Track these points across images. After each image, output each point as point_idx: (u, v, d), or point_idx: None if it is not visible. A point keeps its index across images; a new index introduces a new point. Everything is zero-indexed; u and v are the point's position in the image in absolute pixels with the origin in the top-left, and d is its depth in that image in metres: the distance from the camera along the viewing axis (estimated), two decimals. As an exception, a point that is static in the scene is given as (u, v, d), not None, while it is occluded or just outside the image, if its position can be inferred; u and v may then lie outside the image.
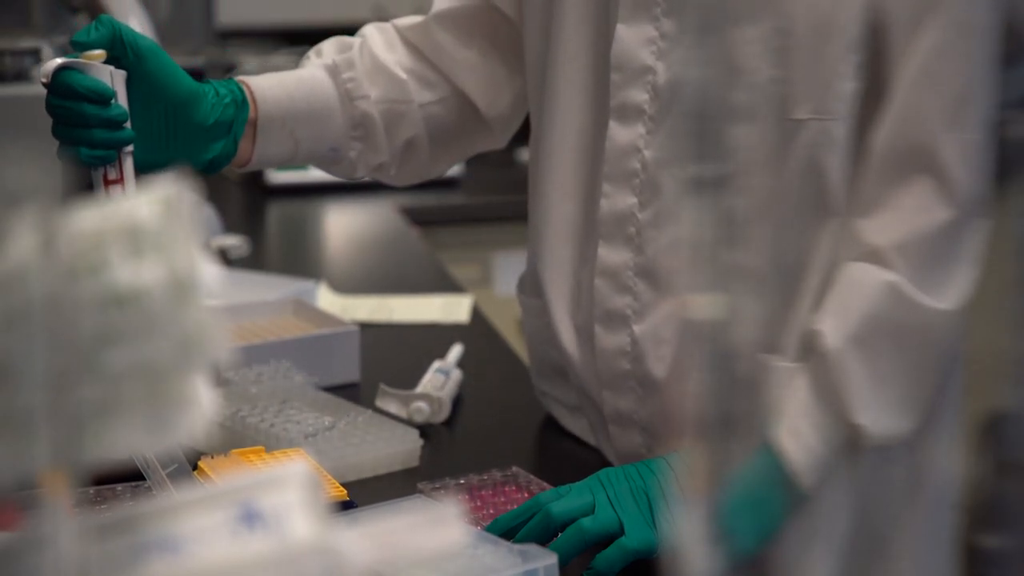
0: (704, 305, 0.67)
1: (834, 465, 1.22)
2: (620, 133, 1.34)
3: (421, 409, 1.59)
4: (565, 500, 1.21)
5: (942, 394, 1.28)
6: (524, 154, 2.87)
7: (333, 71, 1.50)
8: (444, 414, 1.60)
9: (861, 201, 1.24)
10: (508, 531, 1.22)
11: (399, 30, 1.57)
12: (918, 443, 1.27)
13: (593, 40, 1.38)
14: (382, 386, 1.62)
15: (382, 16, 3.15)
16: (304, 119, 1.46)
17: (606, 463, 1.51)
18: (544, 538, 1.20)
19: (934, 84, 1.20)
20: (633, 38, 1.32)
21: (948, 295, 1.22)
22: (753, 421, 1.27)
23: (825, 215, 1.25)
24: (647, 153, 1.32)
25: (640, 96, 1.32)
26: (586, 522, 1.19)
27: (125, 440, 0.64)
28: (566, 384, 1.52)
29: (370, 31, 1.57)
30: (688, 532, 0.66)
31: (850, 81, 1.22)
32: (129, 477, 1.29)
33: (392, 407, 1.60)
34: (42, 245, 0.62)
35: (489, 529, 1.22)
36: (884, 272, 1.21)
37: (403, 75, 1.53)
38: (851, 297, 1.21)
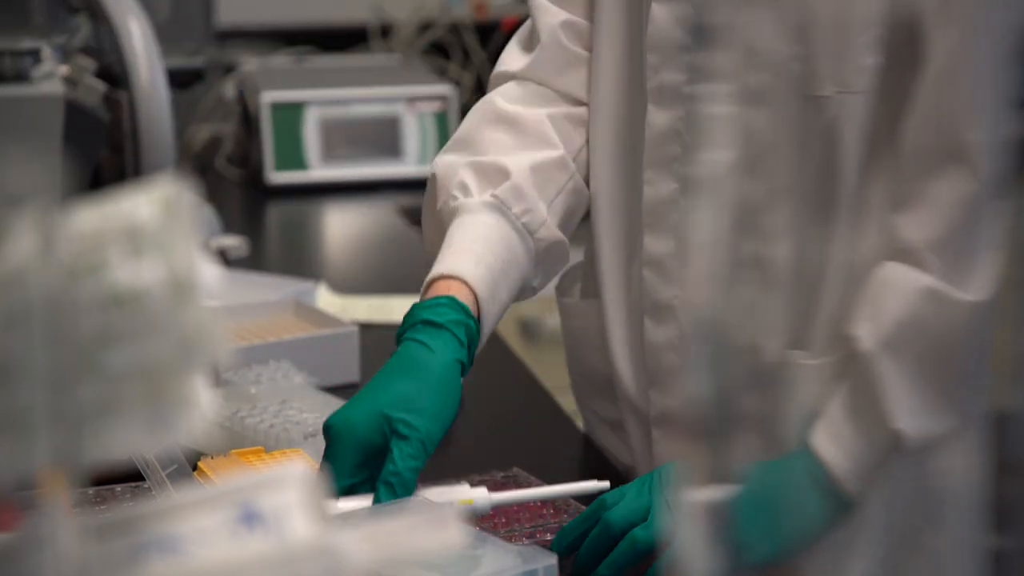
0: (705, 302, 0.67)
1: (877, 471, 1.21)
2: (658, 117, 1.31)
3: None
4: (621, 506, 1.19)
5: (973, 387, 1.27)
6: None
7: (501, 210, 1.35)
8: None
9: (896, 195, 1.22)
10: (573, 540, 1.20)
11: (515, 103, 1.42)
12: (951, 441, 1.26)
13: (628, 24, 1.36)
14: None
15: (382, 16, 3.16)
16: (508, 290, 1.35)
17: (607, 463, 1.51)
18: (606, 548, 1.18)
19: (964, 73, 1.19)
20: (668, 17, 1.30)
21: (978, 285, 1.20)
22: (774, 421, 1.26)
23: (841, 200, 1.24)
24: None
25: (677, 77, 1.30)
26: (639, 532, 1.17)
27: (125, 440, 0.64)
28: (609, 396, 1.47)
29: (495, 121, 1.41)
30: (689, 533, 0.66)
31: (870, 55, 1.20)
32: (129, 477, 1.29)
33: None
34: (42, 245, 0.62)
35: (556, 541, 1.21)
36: (920, 275, 1.19)
37: (557, 153, 1.40)
38: (887, 301, 1.20)
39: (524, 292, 1.38)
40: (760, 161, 1.24)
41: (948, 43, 1.19)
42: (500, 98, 1.43)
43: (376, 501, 1.18)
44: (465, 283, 1.29)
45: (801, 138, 1.23)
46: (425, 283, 1.31)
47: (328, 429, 1.23)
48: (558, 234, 1.38)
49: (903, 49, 1.21)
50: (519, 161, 1.37)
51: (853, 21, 1.21)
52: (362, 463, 1.21)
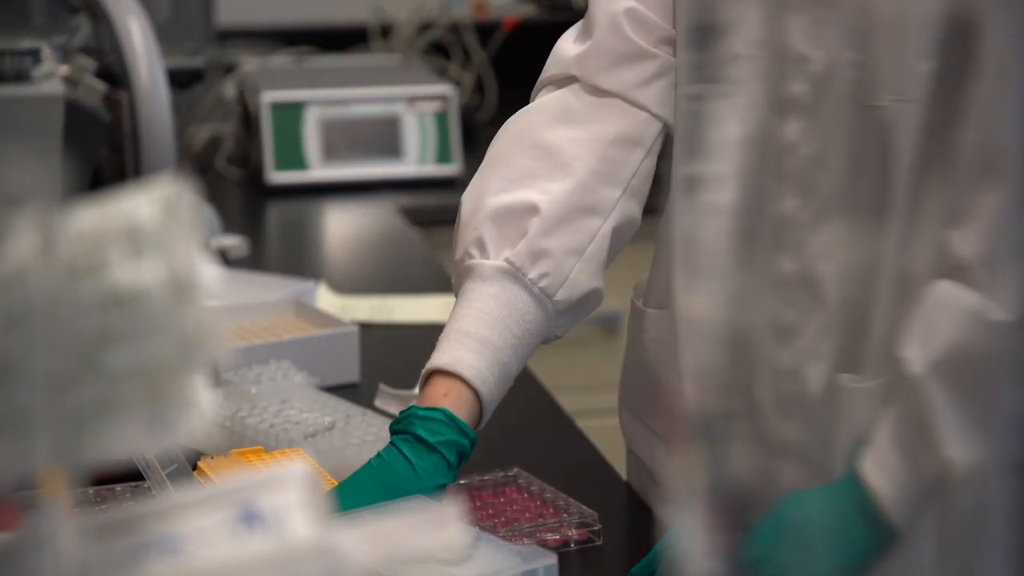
0: (704, 304, 0.67)
1: (924, 501, 1.15)
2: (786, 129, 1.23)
3: None
4: (643, 562, 1.18)
5: (1007, 408, 1.19)
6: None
7: (516, 276, 1.29)
8: None
9: (949, 209, 1.17)
10: None
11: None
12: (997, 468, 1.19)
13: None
14: (381, 386, 1.62)
15: (382, 16, 3.15)
16: (520, 360, 1.32)
17: (606, 464, 1.51)
18: None
19: (1014, 83, 1.15)
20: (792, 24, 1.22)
21: (1013, 304, 1.14)
22: (819, 448, 1.23)
23: (894, 213, 1.18)
24: (805, 149, 1.22)
25: (798, 88, 1.22)
26: None
27: (125, 440, 0.64)
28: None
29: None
30: (689, 532, 0.66)
31: (926, 61, 1.15)
32: (129, 477, 1.29)
33: (392, 407, 1.60)
34: (42, 245, 0.62)
35: None
36: (971, 296, 1.14)
37: (597, 193, 1.33)
38: (938, 323, 1.14)
39: (546, 342, 1.34)
40: (803, 175, 1.21)
41: (1000, 52, 1.14)
42: (539, 116, 1.35)
43: None
44: (466, 383, 1.25)
45: (854, 150, 1.19)
46: (425, 372, 1.27)
47: None
48: (587, 286, 1.32)
49: (957, 51, 1.16)
50: (551, 199, 1.30)
51: (910, 24, 1.16)
52: None
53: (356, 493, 1.20)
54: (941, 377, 1.13)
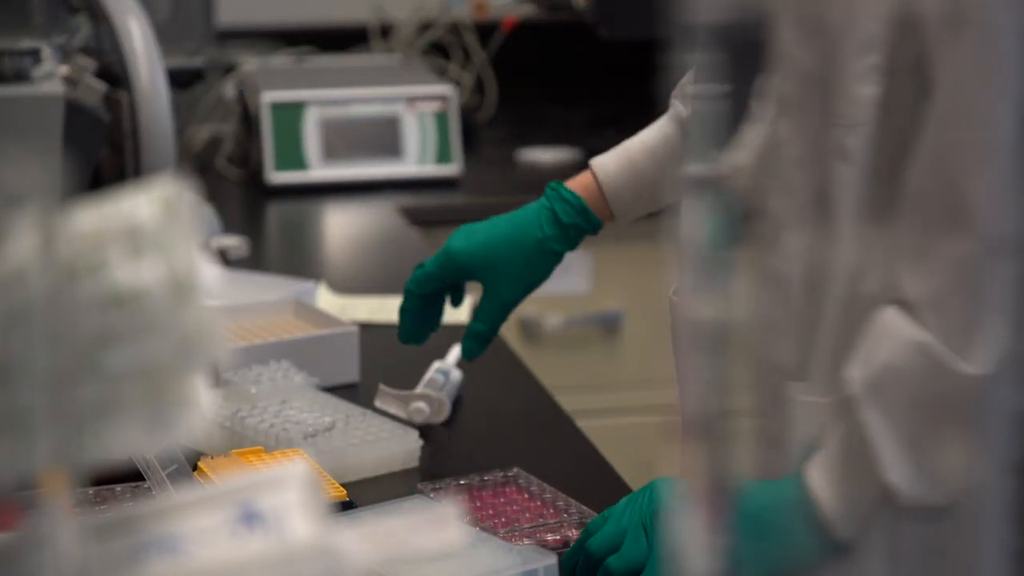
0: (704, 305, 0.66)
1: (872, 520, 1.14)
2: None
3: (421, 410, 1.58)
4: (599, 534, 1.19)
5: (989, 461, 1.18)
6: (524, 154, 2.87)
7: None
8: (444, 415, 1.60)
9: (900, 244, 1.15)
10: (569, 573, 1.21)
11: None
12: (968, 510, 1.18)
13: None
14: (381, 386, 1.62)
15: (382, 16, 3.15)
16: (657, 184, 1.49)
17: (606, 464, 1.51)
18: None
19: (966, 122, 1.11)
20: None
21: (980, 357, 1.11)
22: (779, 439, 1.22)
23: (839, 232, 1.18)
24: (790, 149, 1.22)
25: (787, 87, 1.23)
26: (612, 562, 1.17)
27: (125, 440, 0.64)
28: None
29: None
30: (689, 533, 0.66)
31: (868, 86, 1.14)
32: (129, 477, 1.29)
33: (391, 408, 1.60)
34: (42, 245, 0.62)
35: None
36: (916, 330, 1.12)
37: None
38: (879, 345, 1.13)
39: None
40: (782, 173, 1.21)
41: (952, 92, 1.11)
42: None
43: (463, 351, 1.52)
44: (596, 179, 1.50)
45: (812, 157, 1.19)
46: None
47: (449, 250, 1.49)
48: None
49: (907, 79, 1.14)
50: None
51: (853, 43, 1.14)
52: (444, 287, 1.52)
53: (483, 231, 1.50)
54: (877, 397, 1.12)
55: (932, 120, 1.12)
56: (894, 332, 1.13)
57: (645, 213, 1.52)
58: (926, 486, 1.13)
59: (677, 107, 1.50)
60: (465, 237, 1.49)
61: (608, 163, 1.50)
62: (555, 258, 1.49)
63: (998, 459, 1.19)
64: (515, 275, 1.48)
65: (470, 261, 1.48)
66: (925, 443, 1.13)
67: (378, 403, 1.61)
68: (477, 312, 1.51)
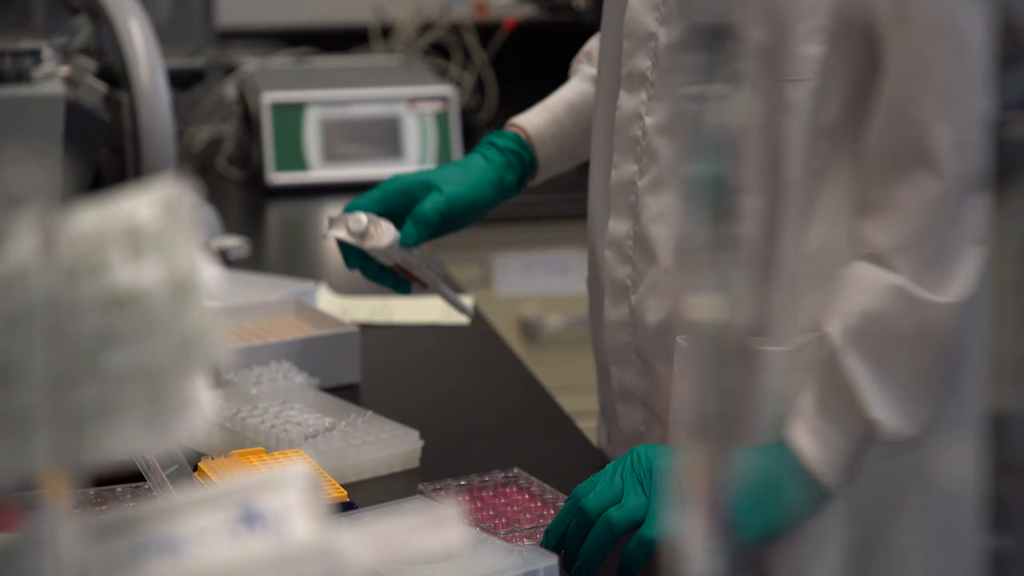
0: (704, 305, 0.67)
1: (857, 462, 1.22)
2: (627, 101, 1.35)
3: (359, 219, 1.46)
4: (595, 493, 1.21)
5: (953, 388, 1.27)
6: (524, 155, 2.87)
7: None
8: (384, 240, 1.47)
9: (861, 200, 1.23)
10: (559, 538, 1.22)
11: None
12: (925, 439, 1.26)
13: (618, 12, 1.38)
14: (330, 216, 1.50)
15: (382, 16, 3.16)
16: (578, 138, 1.54)
17: (606, 463, 1.51)
18: (586, 535, 1.20)
19: (924, 77, 1.19)
20: (641, 5, 1.32)
21: (953, 286, 1.20)
22: (751, 413, 1.26)
23: (788, 191, 1.24)
24: (648, 120, 1.33)
25: (644, 63, 1.33)
26: (613, 512, 1.19)
27: (125, 441, 0.64)
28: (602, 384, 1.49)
29: None
30: (689, 533, 0.66)
31: (814, 45, 1.21)
32: (129, 478, 1.29)
33: (340, 232, 1.48)
34: (42, 246, 0.62)
35: (544, 542, 1.23)
36: (888, 275, 1.21)
37: None
38: (854, 297, 1.21)
39: None
40: (740, 141, 1.24)
41: (906, 50, 1.19)
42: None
43: (402, 234, 1.47)
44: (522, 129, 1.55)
45: (762, 121, 1.24)
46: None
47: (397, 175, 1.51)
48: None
49: (860, 53, 1.22)
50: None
51: (799, 7, 1.21)
52: (389, 204, 1.49)
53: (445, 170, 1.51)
54: (858, 344, 1.20)
55: (889, 77, 1.20)
56: (867, 281, 1.21)
57: (567, 168, 1.58)
58: (907, 418, 1.21)
59: (585, 68, 1.57)
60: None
61: (534, 118, 1.55)
62: (497, 178, 1.50)
63: (972, 383, 1.29)
64: (458, 178, 1.49)
65: (417, 176, 1.49)
66: (905, 376, 1.21)
67: (330, 232, 1.49)
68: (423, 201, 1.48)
